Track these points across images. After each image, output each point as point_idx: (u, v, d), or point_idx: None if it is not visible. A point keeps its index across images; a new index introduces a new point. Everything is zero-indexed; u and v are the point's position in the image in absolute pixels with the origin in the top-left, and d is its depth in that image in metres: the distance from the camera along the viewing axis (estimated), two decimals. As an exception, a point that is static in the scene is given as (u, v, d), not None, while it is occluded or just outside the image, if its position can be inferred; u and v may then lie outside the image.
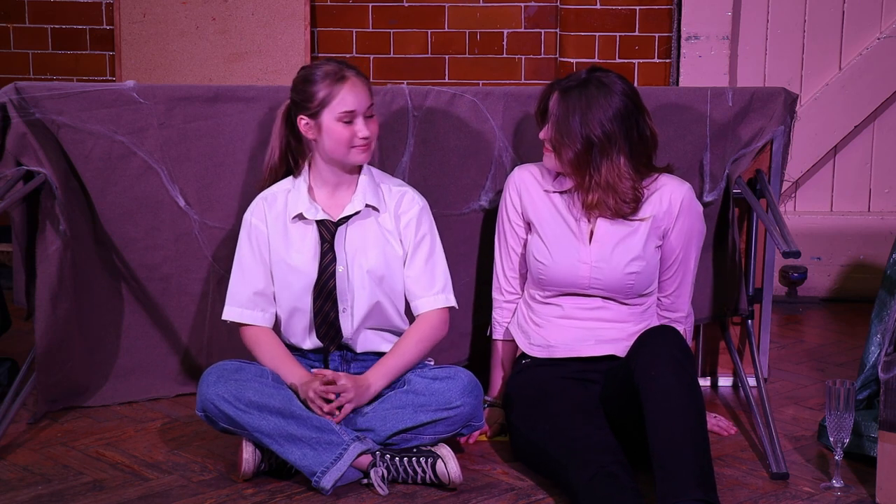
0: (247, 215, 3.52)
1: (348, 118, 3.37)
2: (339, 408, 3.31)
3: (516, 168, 3.63)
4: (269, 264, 3.48)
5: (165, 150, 3.82)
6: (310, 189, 3.48)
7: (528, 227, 3.58)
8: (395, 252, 3.48)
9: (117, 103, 3.78)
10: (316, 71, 3.40)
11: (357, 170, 3.48)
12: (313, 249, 3.45)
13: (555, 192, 3.54)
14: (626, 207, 3.45)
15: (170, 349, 3.96)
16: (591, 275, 3.47)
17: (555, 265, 3.48)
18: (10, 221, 3.79)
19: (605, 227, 3.49)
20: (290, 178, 3.52)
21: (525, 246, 3.60)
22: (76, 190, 3.81)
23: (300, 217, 3.45)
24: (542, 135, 3.48)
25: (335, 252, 3.43)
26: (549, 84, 3.51)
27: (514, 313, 3.65)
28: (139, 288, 3.91)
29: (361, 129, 3.38)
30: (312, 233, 3.46)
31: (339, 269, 3.43)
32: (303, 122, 3.42)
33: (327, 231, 3.44)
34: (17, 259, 3.82)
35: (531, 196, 3.56)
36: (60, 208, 3.70)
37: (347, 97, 3.37)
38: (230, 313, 3.51)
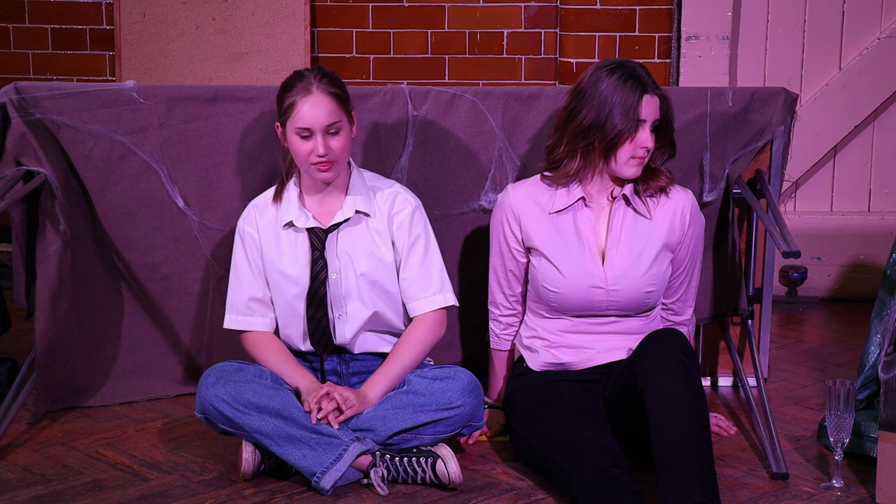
0: (239, 223, 3.51)
1: (305, 133, 3.32)
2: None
3: (509, 189, 3.51)
4: (263, 271, 3.48)
5: (165, 150, 3.82)
6: (300, 195, 3.46)
7: (528, 251, 3.51)
8: (387, 256, 3.46)
9: (117, 103, 3.78)
10: (294, 78, 3.36)
11: (345, 174, 3.46)
12: (305, 257, 3.43)
13: (557, 211, 3.46)
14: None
15: (170, 349, 3.96)
16: (608, 298, 3.41)
17: (569, 292, 3.41)
18: (10, 221, 3.79)
19: (615, 247, 3.43)
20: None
21: (527, 269, 3.53)
22: (76, 190, 3.81)
23: (291, 225, 3.45)
24: (648, 142, 3.36)
25: (326, 260, 3.42)
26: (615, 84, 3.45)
27: (513, 327, 3.61)
28: (139, 288, 3.91)
29: (318, 146, 3.31)
30: (304, 241, 3.44)
31: (333, 276, 3.42)
32: (278, 128, 3.41)
33: (318, 239, 3.42)
34: (17, 259, 3.82)
35: (532, 221, 3.46)
36: (60, 208, 3.70)
37: (305, 113, 3.30)
38: (230, 322, 3.51)
